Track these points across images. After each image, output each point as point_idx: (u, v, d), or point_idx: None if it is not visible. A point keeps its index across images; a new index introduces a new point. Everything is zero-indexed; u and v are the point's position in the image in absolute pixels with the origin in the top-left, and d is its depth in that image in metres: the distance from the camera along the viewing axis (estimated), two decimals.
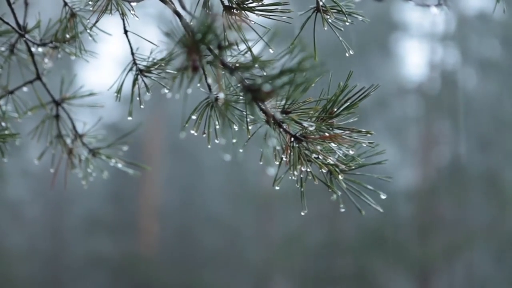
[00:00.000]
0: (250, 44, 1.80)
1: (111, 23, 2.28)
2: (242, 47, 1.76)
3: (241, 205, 15.75)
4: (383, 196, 1.69)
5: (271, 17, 1.96)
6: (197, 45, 1.53)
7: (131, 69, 1.96)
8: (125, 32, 1.99)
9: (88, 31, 2.14)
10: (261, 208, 15.32)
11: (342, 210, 1.71)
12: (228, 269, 15.41)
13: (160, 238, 15.63)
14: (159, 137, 16.15)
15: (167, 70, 1.82)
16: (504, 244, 14.13)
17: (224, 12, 1.96)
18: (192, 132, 1.74)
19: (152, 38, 1.96)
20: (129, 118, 1.87)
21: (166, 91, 1.66)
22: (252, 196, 15.27)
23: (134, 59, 1.96)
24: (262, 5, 1.95)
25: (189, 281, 15.02)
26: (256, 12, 1.95)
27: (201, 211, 16.25)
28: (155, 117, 15.91)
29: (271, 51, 1.78)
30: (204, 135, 1.77)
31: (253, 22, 1.95)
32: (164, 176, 16.39)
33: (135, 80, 1.91)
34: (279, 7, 1.94)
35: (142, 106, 1.88)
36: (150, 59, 1.95)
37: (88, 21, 2.12)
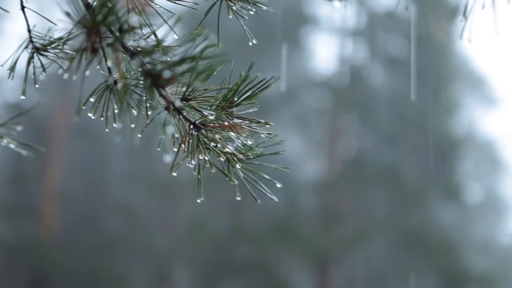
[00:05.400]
0: (154, 28, 1.76)
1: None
2: (146, 31, 1.72)
3: (146, 191, 15.61)
4: (278, 185, 1.71)
5: (177, 2, 1.93)
6: (97, 27, 1.49)
7: (27, 47, 1.90)
8: (22, 8, 1.93)
9: None
10: (166, 195, 15.23)
11: (238, 198, 1.73)
12: (130, 256, 15.25)
13: (62, 223, 15.29)
14: (65, 119, 15.77)
15: (65, 50, 1.77)
16: (402, 236, 14.55)
17: None
18: (90, 115, 1.70)
19: (59, 18, 1.90)
20: (22, 97, 1.82)
21: (62, 72, 1.61)
22: (157, 183, 15.14)
23: (30, 37, 1.90)
24: None
25: (90, 267, 14.77)
26: None
27: (105, 196, 15.99)
28: (61, 98, 15.54)
29: (175, 36, 1.75)
30: (102, 119, 1.72)
31: (159, 6, 1.91)
32: (68, 160, 16.04)
33: (30, 59, 1.85)
34: None
35: (37, 86, 1.83)
36: (47, 38, 1.89)
37: None
